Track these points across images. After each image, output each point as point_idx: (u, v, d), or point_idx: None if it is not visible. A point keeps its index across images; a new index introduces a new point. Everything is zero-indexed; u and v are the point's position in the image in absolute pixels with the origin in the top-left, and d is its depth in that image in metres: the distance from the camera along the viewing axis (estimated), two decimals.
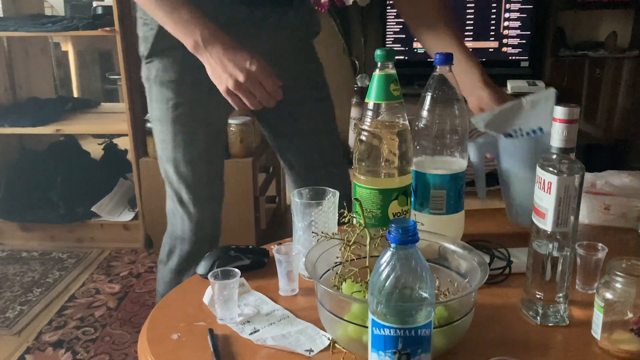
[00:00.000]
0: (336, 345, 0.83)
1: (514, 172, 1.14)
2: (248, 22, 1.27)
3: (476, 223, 1.20)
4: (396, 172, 1.00)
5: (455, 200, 1.08)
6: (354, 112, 2.60)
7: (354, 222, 0.93)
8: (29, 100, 2.97)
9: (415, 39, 2.73)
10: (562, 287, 0.88)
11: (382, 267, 0.66)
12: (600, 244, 0.99)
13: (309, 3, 1.42)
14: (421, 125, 1.07)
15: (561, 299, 0.89)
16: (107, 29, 2.54)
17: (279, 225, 2.90)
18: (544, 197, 0.85)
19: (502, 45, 2.75)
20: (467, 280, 0.87)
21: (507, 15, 2.70)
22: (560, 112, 0.82)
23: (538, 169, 0.87)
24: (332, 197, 1.03)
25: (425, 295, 0.66)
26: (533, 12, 2.68)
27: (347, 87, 2.68)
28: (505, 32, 2.73)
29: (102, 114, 3.07)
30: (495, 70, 2.74)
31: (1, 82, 2.88)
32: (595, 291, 0.85)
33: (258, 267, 1.08)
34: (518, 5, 2.69)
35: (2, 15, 2.86)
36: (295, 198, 1.02)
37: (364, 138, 0.99)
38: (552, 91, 1.09)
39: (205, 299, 0.96)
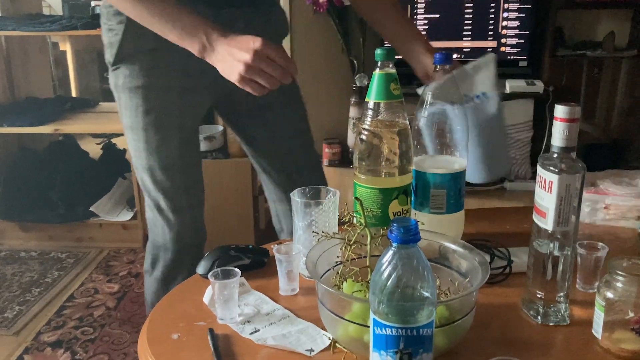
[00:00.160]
0: (337, 344, 0.83)
1: (465, 136, 1.14)
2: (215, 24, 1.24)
3: (476, 222, 1.19)
4: (396, 171, 1.00)
5: (455, 200, 1.08)
6: (353, 112, 2.60)
7: (355, 221, 0.93)
8: (28, 100, 2.96)
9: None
10: (562, 287, 0.88)
11: (384, 267, 0.65)
12: (600, 243, 0.99)
13: (275, 3, 1.39)
14: (421, 125, 1.07)
15: (562, 298, 0.89)
16: None
17: None
18: (545, 196, 0.85)
19: (500, 44, 2.74)
20: (467, 279, 0.87)
21: (505, 14, 2.70)
22: (561, 111, 0.82)
23: (539, 168, 0.86)
24: (333, 197, 1.03)
25: (427, 294, 0.65)
26: (532, 12, 2.68)
27: (345, 86, 2.68)
28: (504, 31, 2.72)
29: (100, 113, 3.06)
30: None
31: None
32: (596, 290, 0.85)
33: (258, 267, 1.07)
34: (517, 5, 2.69)
35: (0, 15, 2.85)
36: (295, 197, 1.02)
37: (364, 137, 0.99)
38: (491, 56, 1.13)
39: (206, 299, 0.96)
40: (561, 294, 0.89)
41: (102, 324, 2.13)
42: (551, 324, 0.88)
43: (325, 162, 2.58)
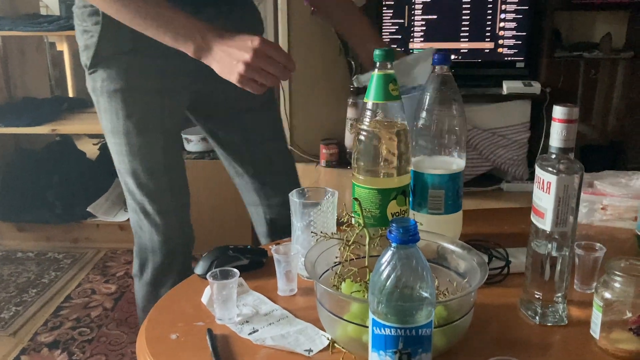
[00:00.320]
0: (335, 345, 0.83)
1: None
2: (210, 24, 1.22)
3: (474, 223, 1.19)
4: (395, 172, 1.00)
5: (453, 200, 1.08)
6: (350, 113, 2.60)
7: (353, 221, 0.93)
8: (25, 100, 2.95)
9: (411, 40, 2.74)
10: (560, 287, 0.88)
11: (383, 267, 0.66)
12: (598, 244, 0.99)
13: (250, 3, 1.38)
14: (420, 125, 1.07)
15: (560, 298, 0.89)
16: None
17: None
18: (543, 196, 0.85)
19: (497, 46, 2.75)
20: (466, 280, 0.87)
21: (502, 16, 2.70)
22: (559, 111, 0.82)
23: (537, 169, 0.87)
24: (331, 197, 1.03)
25: (425, 294, 0.66)
26: (529, 13, 2.69)
27: (343, 87, 2.68)
28: (501, 32, 2.73)
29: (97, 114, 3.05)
30: (490, 70, 2.75)
31: None
32: (593, 291, 0.86)
33: (256, 267, 1.07)
34: (514, 6, 2.69)
35: None
36: (294, 198, 1.02)
37: (362, 138, 0.99)
38: (431, 50, 1.15)
39: (204, 299, 0.96)
40: (559, 294, 0.89)
41: (99, 324, 2.13)
42: (549, 324, 0.89)
43: (322, 162, 2.58)
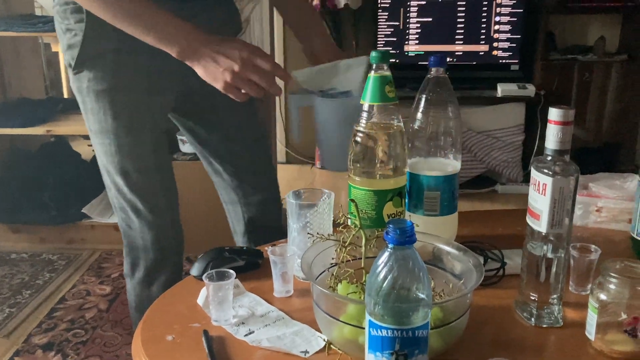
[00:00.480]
0: (332, 346, 0.83)
1: (326, 126, 1.19)
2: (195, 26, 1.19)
3: (469, 225, 1.20)
4: (391, 173, 1.00)
5: (449, 202, 1.08)
6: None
7: (349, 223, 0.93)
8: (20, 101, 2.94)
9: (406, 42, 2.74)
10: (556, 289, 0.89)
11: (380, 268, 0.66)
12: (593, 246, 0.99)
13: (232, 1, 1.38)
14: (415, 127, 1.08)
15: (555, 300, 0.89)
16: None
17: None
18: (538, 198, 0.86)
19: (492, 48, 2.76)
20: (462, 281, 0.87)
21: (497, 19, 2.71)
22: (554, 114, 0.82)
23: (533, 171, 0.87)
24: (327, 199, 1.03)
25: (422, 296, 0.66)
26: (523, 16, 2.70)
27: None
28: (496, 35, 2.74)
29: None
30: (485, 73, 2.76)
31: None
32: (589, 292, 0.86)
33: (252, 269, 1.07)
34: (509, 9, 2.70)
35: None
36: (290, 199, 1.02)
37: (359, 139, 0.99)
38: (365, 58, 1.15)
39: (200, 301, 0.96)
40: (554, 295, 0.89)
41: (93, 326, 2.12)
42: (544, 325, 0.89)
43: (318, 164, 2.58)
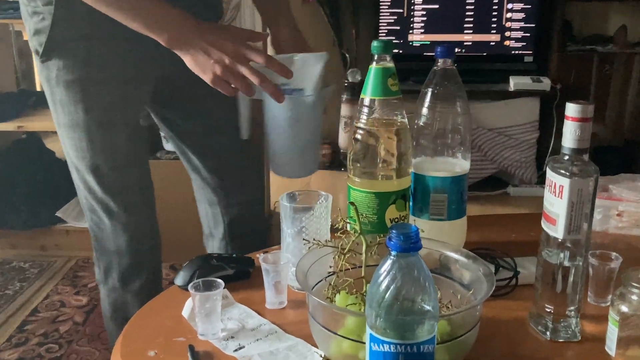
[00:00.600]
0: None
1: (276, 124, 1.20)
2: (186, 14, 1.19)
3: (479, 230, 1.20)
4: (394, 174, 1.00)
5: (457, 205, 1.08)
6: (344, 110, 2.60)
7: (349, 228, 0.93)
8: None
9: (410, 31, 2.75)
10: (573, 300, 0.89)
11: (382, 277, 0.66)
12: (614, 253, 1.00)
13: None
14: (421, 124, 1.08)
15: (573, 312, 0.89)
16: None
17: None
18: (554, 201, 0.86)
19: (504, 38, 2.76)
20: (471, 292, 0.87)
21: (510, 6, 2.72)
22: (572, 109, 0.83)
23: (548, 171, 0.87)
24: (325, 201, 1.03)
25: (428, 307, 0.66)
26: (538, 4, 2.70)
27: (337, 82, 2.68)
28: (508, 24, 2.74)
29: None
30: (497, 65, 2.76)
31: None
32: (609, 304, 0.86)
33: (243, 278, 1.07)
34: None
35: None
36: (284, 202, 1.02)
37: (359, 137, 0.99)
38: (324, 55, 1.18)
39: (185, 313, 0.96)
40: (572, 307, 0.89)
41: (69, 340, 2.11)
42: (561, 340, 0.89)
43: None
